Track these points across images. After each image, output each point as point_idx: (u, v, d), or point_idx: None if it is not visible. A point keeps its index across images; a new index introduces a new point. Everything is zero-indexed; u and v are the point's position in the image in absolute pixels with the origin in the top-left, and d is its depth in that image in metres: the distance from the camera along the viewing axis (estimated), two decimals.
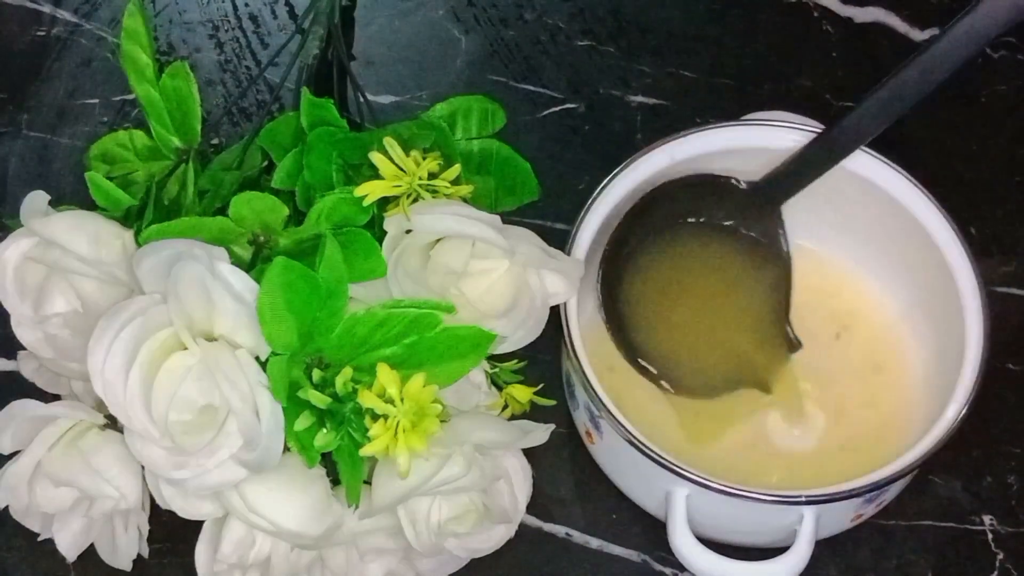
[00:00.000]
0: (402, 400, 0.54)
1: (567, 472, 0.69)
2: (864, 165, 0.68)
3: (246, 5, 0.84)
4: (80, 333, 0.59)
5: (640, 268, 0.67)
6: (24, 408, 0.59)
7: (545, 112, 0.80)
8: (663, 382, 0.66)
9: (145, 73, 0.65)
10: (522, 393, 0.64)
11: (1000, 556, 0.67)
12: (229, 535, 0.58)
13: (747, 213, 0.68)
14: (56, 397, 0.65)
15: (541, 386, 0.65)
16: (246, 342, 0.55)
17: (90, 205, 0.61)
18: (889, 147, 0.68)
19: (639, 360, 0.66)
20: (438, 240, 0.59)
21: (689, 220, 0.68)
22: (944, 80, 0.62)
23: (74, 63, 0.82)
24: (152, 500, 0.59)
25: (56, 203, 0.60)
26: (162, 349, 0.55)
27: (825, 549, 0.65)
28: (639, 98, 0.81)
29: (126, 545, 0.62)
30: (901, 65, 0.63)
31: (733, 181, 0.67)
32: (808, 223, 0.71)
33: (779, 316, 0.67)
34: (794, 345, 0.67)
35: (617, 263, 0.67)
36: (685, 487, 0.61)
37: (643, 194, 0.67)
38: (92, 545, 0.63)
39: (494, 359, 0.64)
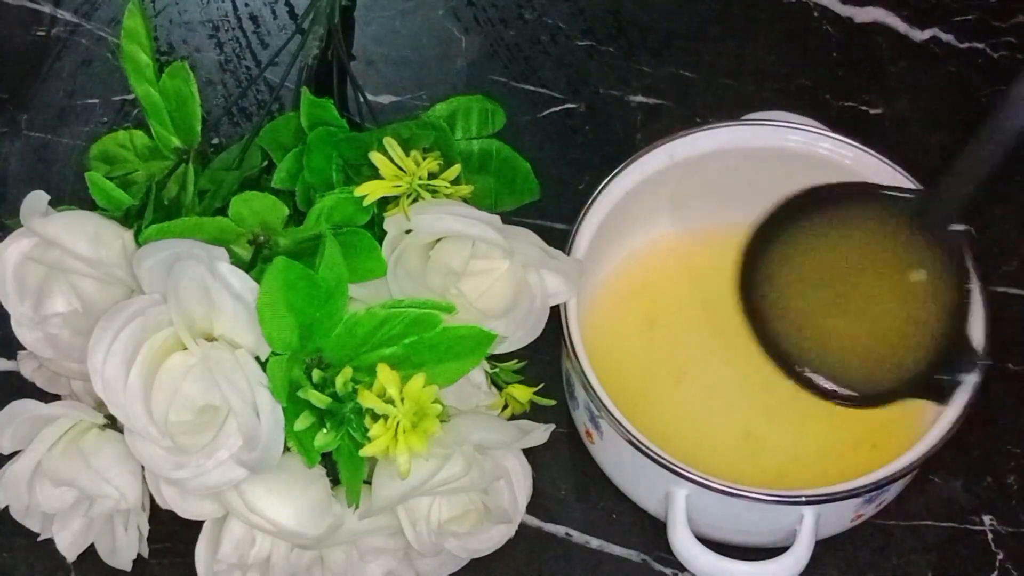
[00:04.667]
0: (402, 400, 0.54)
1: (567, 472, 0.69)
2: (864, 165, 0.68)
3: (246, 5, 0.84)
4: (80, 333, 0.59)
5: (799, 265, 0.65)
6: (24, 408, 0.59)
7: (545, 112, 0.80)
8: (822, 380, 0.64)
9: (145, 73, 0.65)
10: (522, 393, 0.64)
11: (1000, 556, 0.67)
12: (229, 535, 0.58)
13: (921, 221, 0.64)
14: (56, 397, 0.65)
15: (541, 386, 0.65)
16: (246, 342, 0.55)
17: (90, 205, 0.61)
18: (889, 147, 0.68)
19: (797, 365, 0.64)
20: (438, 240, 0.59)
21: (859, 215, 0.65)
22: None
23: (74, 63, 0.82)
24: (152, 500, 0.59)
25: (56, 203, 0.60)
26: (162, 349, 0.55)
27: (825, 549, 0.65)
28: (639, 98, 0.81)
29: (126, 545, 0.62)
30: None
31: (904, 194, 0.64)
32: None
33: (955, 328, 0.63)
34: (973, 364, 0.63)
35: (764, 260, 0.65)
36: (685, 487, 0.61)
37: (803, 191, 0.64)
38: (92, 545, 0.63)
39: (494, 359, 0.64)
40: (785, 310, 0.65)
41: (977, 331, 0.63)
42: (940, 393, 0.63)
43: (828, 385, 0.63)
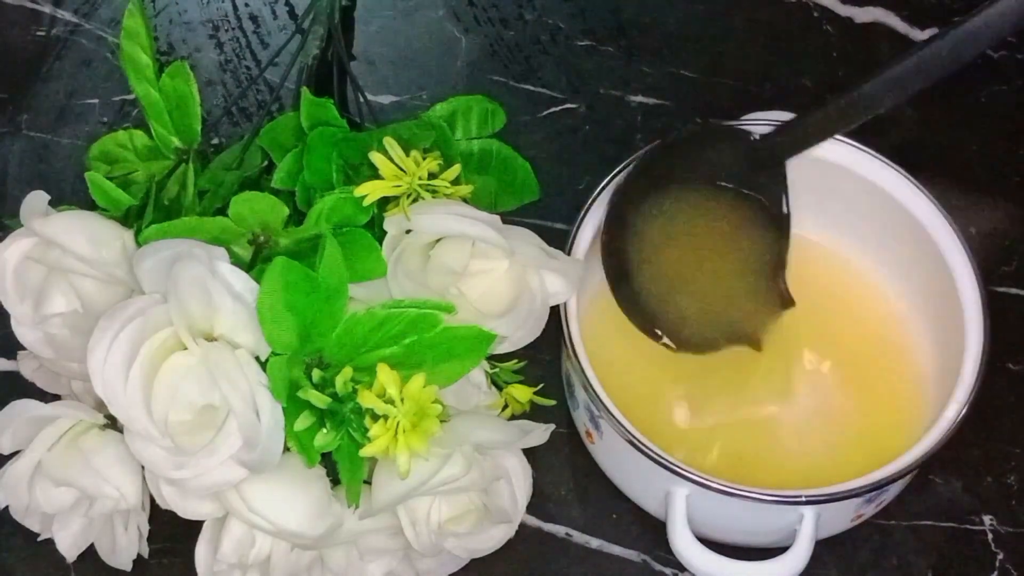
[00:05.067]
0: (402, 400, 0.54)
1: (567, 472, 0.69)
2: (864, 165, 0.68)
3: (246, 5, 0.84)
4: (80, 333, 0.59)
5: (641, 224, 0.67)
6: (24, 408, 0.59)
7: (545, 112, 0.80)
8: (665, 339, 0.66)
9: (145, 73, 0.65)
10: (522, 393, 0.64)
11: (1000, 556, 0.67)
12: (229, 535, 0.58)
13: (750, 165, 0.67)
14: (56, 397, 0.65)
15: (541, 386, 0.65)
16: (246, 342, 0.55)
17: (90, 205, 0.61)
18: (889, 147, 0.68)
19: (641, 319, 0.66)
20: (438, 240, 0.59)
21: (690, 175, 0.67)
22: (971, 59, 0.60)
23: (74, 63, 0.82)
24: (152, 500, 0.59)
25: (56, 203, 0.60)
26: (162, 349, 0.55)
27: (825, 549, 0.65)
28: (639, 98, 0.81)
29: (126, 545, 0.62)
30: (928, 39, 0.61)
31: (740, 128, 0.67)
32: (808, 222, 0.71)
33: (774, 272, 0.67)
34: (787, 302, 0.66)
35: (619, 222, 0.66)
36: (685, 487, 0.61)
37: (650, 147, 0.66)
38: (92, 545, 0.63)
39: (494, 359, 0.64)
40: (629, 261, 0.67)
41: (977, 331, 0.63)
42: (756, 338, 0.66)
43: (656, 333, 0.66)
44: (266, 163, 0.64)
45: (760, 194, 0.67)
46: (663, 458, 0.61)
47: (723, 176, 0.67)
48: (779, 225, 0.67)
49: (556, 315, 0.63)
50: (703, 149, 0.67)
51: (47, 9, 0.84)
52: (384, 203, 0.60)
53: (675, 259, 0.67)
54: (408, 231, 0.59)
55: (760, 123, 0.69)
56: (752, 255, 0.67)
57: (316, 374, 0.55)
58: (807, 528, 0.61)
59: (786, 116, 0.70)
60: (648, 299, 0.66)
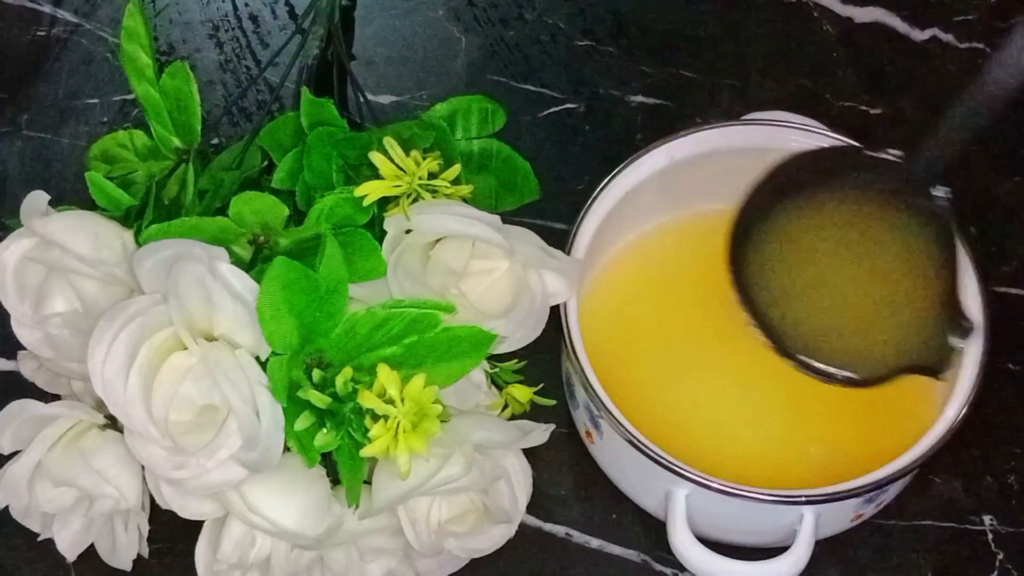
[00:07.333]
0: (402, 400, 0.54)
1: (567, 472, 0.69)
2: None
3: (246, 5, 0.84)
4: (80, 333, 0.59)
5: (784, 238, 0.63)
6: (24, 408, 0.59)
7: (545, 112, 0.80)
8: (819, 364, 0.62)
9: (145, 73, 0.65)
10: (522, 393, 0.64)
11: (1000, 556, 0.67)
12: (229, 535, 0.58)
13: (904, 186, 0.62)
14: (56, 397, 0.65)
15: (541, 386, 0.65)
16: (246, 342, 0.55)
17: (90, 205, 0.61)
18: (889, 147, 0.68)
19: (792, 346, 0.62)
20: (438, 240, 0.59)
21: (840, 187, 0.63)
22: None
23: (74, 63, 0.82)
24: (152, 500, 0.59)
25: (56, 203, 0.60)
26: (162, 349, 0.55)
27: (825, 549, 0.65)
28: (639, 98, 0.81)
29: (126, 545, 0.62)
30: None
31: (887, 156, 0.62)
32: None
33: (947, 297, 0.62)
34: (966, 330, 0.62)
35: (757, 233, 0.63)
36: (685, 487, 0.61)
37: (783, 160, 0.63)
38: (92, 545, 0.63)
39: (494, 359, 0.64)
40: (773, 290, 0.63)
41: (977, 331, 0.63)
42: (935, 367, 0.62)
43: (823, 367, 0.62)
44: (266, 163, 0.64)
45: (917, 212, 0.62)
46: (663, 458, 0.61)
47: (873, 189, 0.63)
48: (942, 245, 0.62)
49: (556, 315, 0.63)
50: (846, 168, 0.63)
51: (47, 9, 0.84)
52: (384, 203, 0.60)
53: (825, 280, 0.63)
54: (408, 231, 0.59)
55: (760, 123, 0.69)
56: (917, 279, 0.63)
57: (316, 374, 0.55)
58: (807, 528, 0.61)
59: (786, 116, 0.70)
60: (801, 326, 0.63)
